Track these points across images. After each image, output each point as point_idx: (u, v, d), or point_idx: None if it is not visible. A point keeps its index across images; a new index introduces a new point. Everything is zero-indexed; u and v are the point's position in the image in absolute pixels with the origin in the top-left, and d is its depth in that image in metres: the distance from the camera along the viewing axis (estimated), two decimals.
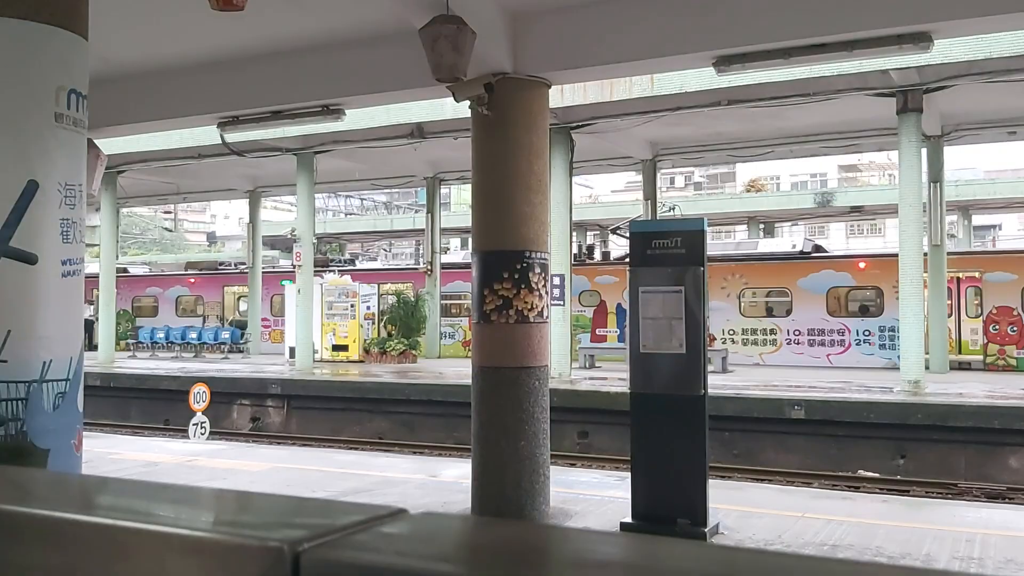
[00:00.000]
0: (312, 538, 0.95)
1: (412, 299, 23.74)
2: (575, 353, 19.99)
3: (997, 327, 19.72)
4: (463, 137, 15.70)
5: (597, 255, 27.74)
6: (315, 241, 22.12)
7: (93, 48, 4.83)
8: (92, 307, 26.92)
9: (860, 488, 11.57)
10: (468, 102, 7.34)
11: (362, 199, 44.16)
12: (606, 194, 56.67)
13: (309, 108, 8.89)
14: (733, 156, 23.94)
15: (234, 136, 15.40)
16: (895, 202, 16.16)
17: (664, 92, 14.99)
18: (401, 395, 17.20)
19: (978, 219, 37.99)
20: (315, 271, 21.62)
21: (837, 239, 51.49)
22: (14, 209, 4.29)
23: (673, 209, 28.08)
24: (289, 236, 24.78)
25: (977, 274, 20.29)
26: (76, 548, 1.07)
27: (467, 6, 6.53)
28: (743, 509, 7.62)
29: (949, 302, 19.47)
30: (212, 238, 59.16)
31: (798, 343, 21.30)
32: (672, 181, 58.12)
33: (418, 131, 18.13)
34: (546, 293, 7.58)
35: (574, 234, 22.79)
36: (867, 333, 20.66)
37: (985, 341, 19.86)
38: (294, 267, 21.24)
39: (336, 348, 23.52)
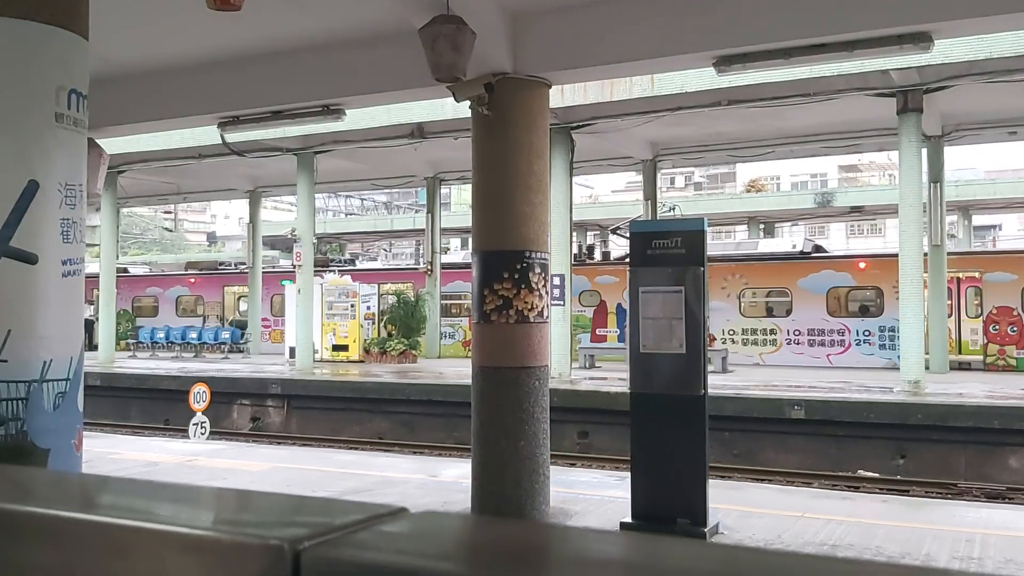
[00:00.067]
0: (312, 537, 0.95)
1: (412, 299, 23.74)
2: (575, 353, 19.99)
3: (997, 327, 19.72)
4: (463, 137, 15.70)
5: (597, 255, 27.75)
6: (315, 241, 22.12)
7: (93, 48, 4.83)
8: (92, 307, 26.92)
9: (860, 488, 11.57)
10: (468, 102, 7.34)
11: (362, 199, 44.16)
12: (606, 194, 56.67)
13: (309, 108, 8.89)
14: (733, 156, 23.94)
15: (234, 136, 15.41)
16: (895, 202, 16.16)
17: (664, 92, 14.99)
18: (401, 395, 17.20)
19: (978, 219, 37.99)
20: (315, 271, 21.62)
21: (837, 239, 51.50)
22: (14, 209, 4.29)
23: (673, 209, 28.08)
24: (289, 236, 24.79)
25: (977, 274, 20.29)
26: (76, 547, 1.07)
27: (467, 6, 6.53)
28: (743, 509, 7.62)
29: (949, 302, 19.47)
30: (212, 238, 59.17)
31: (798, 343, 21.30)
32: (672, 181, 58.12)
33: (418, 131, 18.13)
34: (546, 293, 7.58)
35: (574, 234, 22.79)
36: (867, 333, 20.66)
37: (985, 341, 19.86)
38: (294, 267, 21.24)
39: (336, 348, 23.52)
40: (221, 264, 33.51)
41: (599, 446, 14.87)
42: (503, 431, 7.33)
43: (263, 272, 27.89)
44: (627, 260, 8.18)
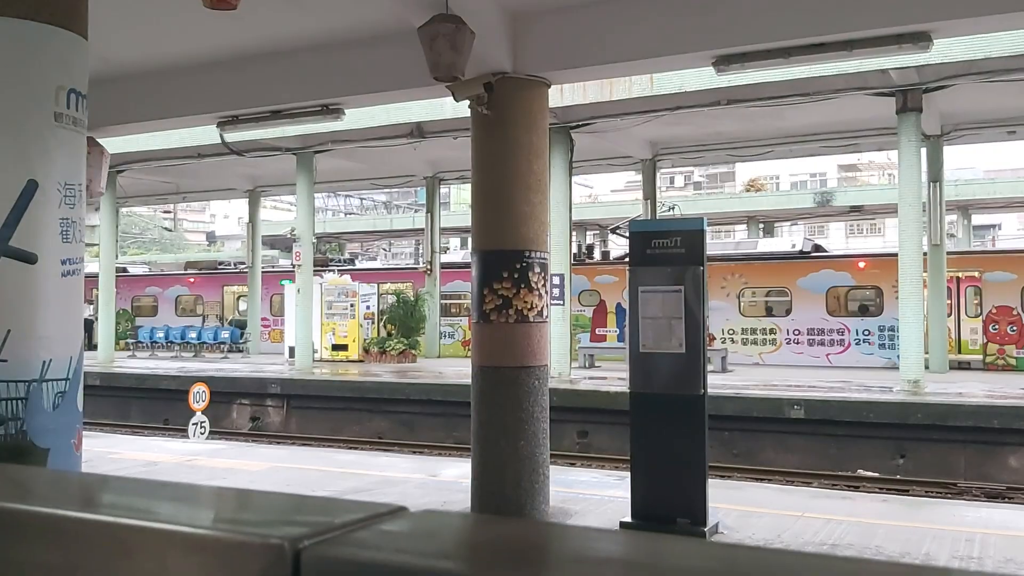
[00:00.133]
0: (313, 535, 0.95)
1: (412, 299, 23.74)
2: (575, 353, 19.99)
3: (997, 327, 19.72)
4: (463, 137, 15.68)
5: (597, 255, 27.74)
6: (315, 241, 22.12)
7: (93, 48, 4.83)
8: (92, 307, 26.91)
9: (860, 488, 11.57)
10: (467, 102, 7.34)
11: (361, 199, 44.14)
12: (606, 194, 56.67)
13: (308, 108, 8.89)
14: (733, 156, 23.94)
15: (233, 136, 15.41)
16: (895, 202, 16.16)
17: (664, 92, 14.99)
18: (401, 395, 17.20)
19: (978, 219, 38.00)
20: (315, 271, 21.61)
21: (837, 239, 51.50)
22: (14, 209, 4.30)
23: (673, 209, 28.10)
24: (289, 236, 24.78)
25: (977, 274, 20.30)
26: (77, 546, 1.07)
27: (466, 6, 6.53)
28: (743, 508, 7.62)
29: (949, 302, 19.47)
30: (212, 238, 59.16)
31: (798, 343, 21.30)
32: (672, 181, 58.13)
33: (418, 131, 18.12)
34: (546, 293, 7.58)
35: (574, 234, 22.78)
36: (867, 333, 20.66)
37: (985, 341, 19.86)
38: (294, 267, 21.24)
39: (336, 348, 23.52)
40: (220, 264, 33.51)
41: (599, 446, 14.87)
42: (503, 431, 7.34)
43: (262, 272, 27.88)
44: (627, 260, 8.18)
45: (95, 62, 5.22)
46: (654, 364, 6.81)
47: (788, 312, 21.53)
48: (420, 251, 35.40)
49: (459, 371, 17.71)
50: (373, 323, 24.66)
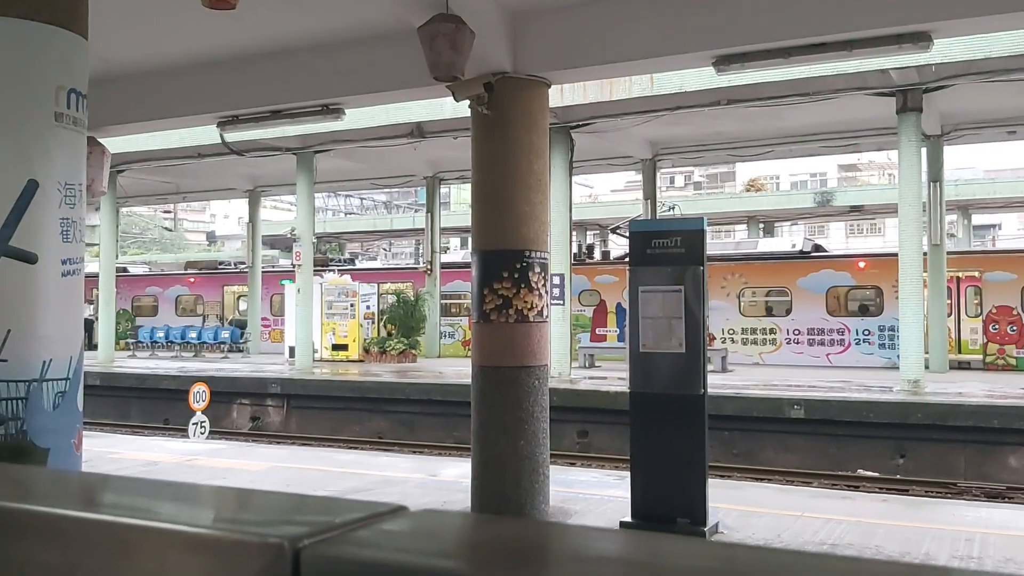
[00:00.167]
0: (312, 535, 0.95)
1: (412, 298, 23.74)
2: (575, 352, 19.99)
3: (997, 326, 19.72)
4: (463, 136, 15.68)
5: (597, 254, 27.74)
6: (315, 240, 22.12)
7: (93, 48, 4.83)
8: (92, 306, 26.92)
9: (860, 487, 11.57)
10: (468, 101, 7.34)
11: (362, 199, 44.14)
12: (606, 193, 56.66)
13: (309, 107, 8.89)
14: (733, 156, 23.94)
15: (234, 135, 15.41)
16: (895, 202, 16.16)
17: (664, 92, 14.99)
18: (401, 394, 17.21)
19: (978, 218, 38.00)
20: (315, 270, 21.62)
21: (837, 239, 51.50)
22: (14, 208, 4.30)
23: (673, 208, 28.10)
24: (289, 235, 24.78)
25: (977, 273, 20.30)
26: (77, 545, 1.08)
27: (466, 5, 6.53)
28: (743, 508, 7.62)
29: (949, 301, 19.47)
30: (212, 237, 59.14)
31: (798, 342, 21.30)
32: (672, 180, 58.13)
33: (418, 130, 18.12)
34: (546, 292, 7.58)
35: (574, 233, 22.78)
36: (867, 333, 20.66)
37: (985, 340, 19.86)
38: (294, 266, 21.24)
39: (336, 347, 23.52)
40: (221, 263, 33.51)
41: (599, 445, 14.87)
42: (503, 430, 7.34)
43: (263, 271, 27.88)
44: (627, 259, 8.18)
45: (95, 62, 5.22)
46: (654, 364, 6.81)
47: (788, 312, 21.53)
48: (420, 251, 35.39)
49: (459, 371, 17.71)
50: (373, 323, 24.66)
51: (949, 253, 19.63)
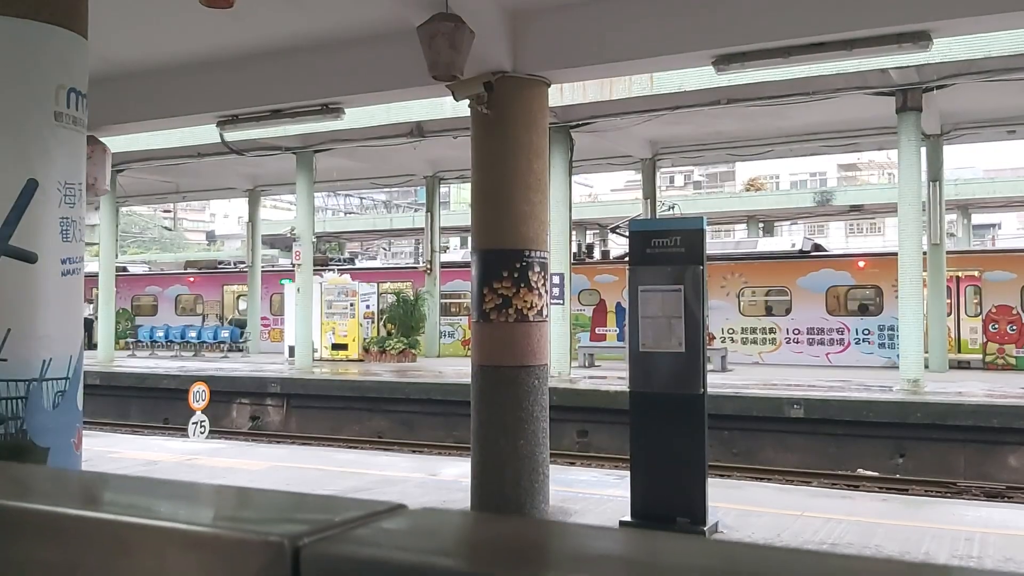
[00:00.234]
0: (312, 533, 0.95)
1: (411, 298, 23.75)
2: (575, 352, 19.99)
3: (996, 326, 19.73)
4: (463, 136, 15.69)
5: (596, 254, 27.75)
6: (314, 240, 22.12)
7: (93, 47, 4.83)
8: (91, 306, 26.91)
9: (859, 487, 11.58)
10: (467, 101, 7.34)
11: (361, 198, 44.15)
12: (606, 193, 56.66)
13: (308, 107, 8.89)
14: (732, 155, 23.94)
15: (233, 135, 15.40)
16: (894, 201, 16.16)
17: (663, 91, 14.99)
18: (400, 394, 17.21)
19: (977, 218, 38.00)
20: (314, 270, 21.62)
21: (836, 238, 51.50)
22: (14, 208, 4.30)
23: (673, 208, 28.06)
24: (288, 235, 24.78)
25: (976, 273, 20.30)
26: (77, 544, 1.08)
27: (466, 5, 6.53)
28: (742, 508, 7.63)
29: (948, 301, 19.48)
30: (211, 237, 59.13)
31: (797, 342, 21.30)
32: (672, 180, 58.13)
33: (418, 130, 18.12)
34: (545, 292, 7.58)
35: (573, 233, 22.77)
36: (866, 332, 20.66)
37: (984, 340, 19.87)
38: (293, 266, 21.24)
39: (335, 347, 23.53)
40: (220, 263, 33.50)
41: (598, 445, 14.88)
42: (502, 430, 7.34)
43: (262, 271, 27.88)
44: (626, 259, 8.18)
45: (95, 61, 5.22)
46: (654, 363, 6.81)
47: (788, 311, 21.53)
48: (420, 250, 35.39)
49: (459, 370, 17.71)
50: (373, 322, 24.66)
51: (949, 252, 19.64)
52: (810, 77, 13.71)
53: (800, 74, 13.27)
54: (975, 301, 20.29)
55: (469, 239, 8.61)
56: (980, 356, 19.82)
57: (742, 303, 22.02)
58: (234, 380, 19.07)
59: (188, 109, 9.31)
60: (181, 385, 17.41)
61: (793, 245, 24.08)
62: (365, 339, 23.77)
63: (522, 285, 7.34)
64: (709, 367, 7.36)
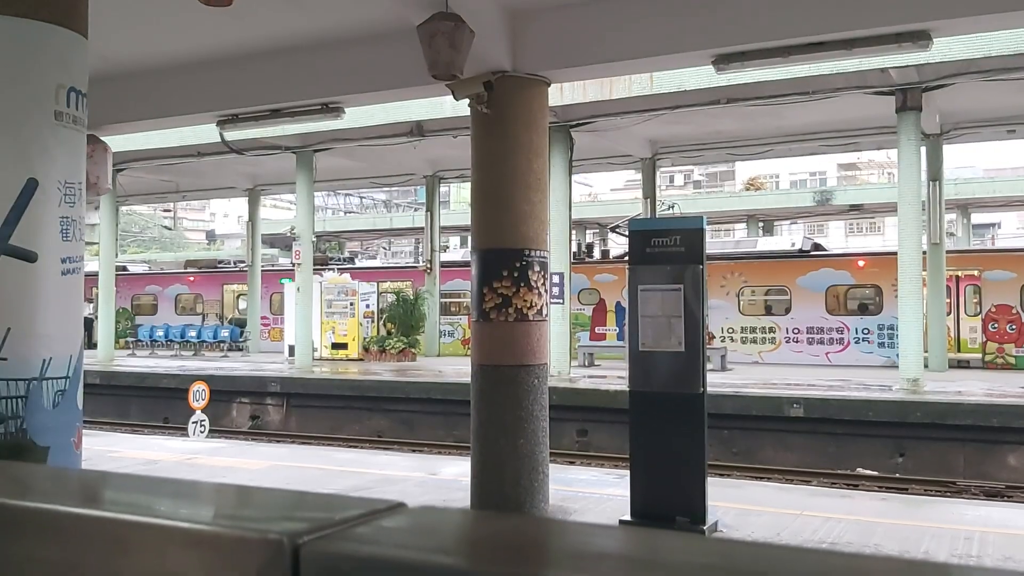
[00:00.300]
0: (312, 531, 0.96)
1: (411, 297, 23.75)
2: (574, 351, 20.00)
3: (996, 325, 19.73)
4: (462, 135, 15.70)
5: (596, 253, 27.75)
6: (314, 239, 22.12)
7: (93, 46, 4.83)
8: (91, 305, 26.91)
9: (859, 486, 11.58)
10: (467, 100, 7.34)
11: (361, 197, 44.15)
12: (605, 192, 56.66)
13: (308, 106, 8.89)
14: (732, 154, 23.94)
15: (233, 134, 15.37)
16: (894, 200, 16.16)
17: (663, 90, 14.99)
18: (400, 393, 17.21)
19: (977, 217, 38.01)
20: (314, 269, 21.61)
21: (836, 237, 51.52)
22: (14, 207, 4.30)
23: (672, 207, 28.06)
24: (288, 234, 24.79)
25: (976, 272, 20.30)
26: (77, 542, 1.08)
27: (466, 4, 6.52)
28: (742, 507, 7.63)
29: (948, 300, 19.48)
30: (211, 236, 59.14)
31: (797, 341, 21.31)
32: (671, 179, 58.13)
33: (417, 129, 18.11)
34: (545, 291, 7.58)
35: (573, 232, 22.77)
36: (866, 331, 20.67)
37: (984, 339, 19.87)
38: (293, 265, 21.24)
39: (335, 346, 23.53)
40: (220, 262, 33.51)
41: (598, 444, 14.88)
42: (502, 429, 7.34)
43: (262, 270, 27.88)
44: (626, 258, 8.19)
45: (95, 60, 5.22)
46: (653, 363, 6.81)
47: (787, 311, 21.53)
48: (420, 250, 35.38)
49: (459, 369, 17.72)
50: (373, 322, 24.66)
51: (948, 252, 19.64)
52: (810, 76, 13.71)
53: (800, 73, 13.27)
54: (975, 300, 20.29)
55: (469, 238, 8.61)
56: (980, 355, 19.82)
57: (742, 302, 22.02)
58: (234, 379, 19.07)
59: (188, 108, 9.31)
60: (181, 384, 17.41)
61: (793, 244, 24.09)
62: (365, 338, 23.77)
63: (522, 284, 7.34)
64: (709, 366, 7.36)
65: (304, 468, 9.98)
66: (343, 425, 17.46)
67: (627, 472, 7.11)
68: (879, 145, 23.18)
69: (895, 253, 15.71)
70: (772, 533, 6.76)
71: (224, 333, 26.39)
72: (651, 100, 15.59)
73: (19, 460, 4.13)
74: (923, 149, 16.18)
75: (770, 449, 14.00)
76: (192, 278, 30.90)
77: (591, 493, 8.41)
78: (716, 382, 13.91)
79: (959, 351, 20.11)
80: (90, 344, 23.20)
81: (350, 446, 14.45)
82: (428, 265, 24.65)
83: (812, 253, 22.86)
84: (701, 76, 13.84)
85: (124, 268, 31.03)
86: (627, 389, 6.97)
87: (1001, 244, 41.89)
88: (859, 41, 6.64)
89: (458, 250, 35.79)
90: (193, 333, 26.33)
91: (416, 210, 38.69)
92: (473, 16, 6.51)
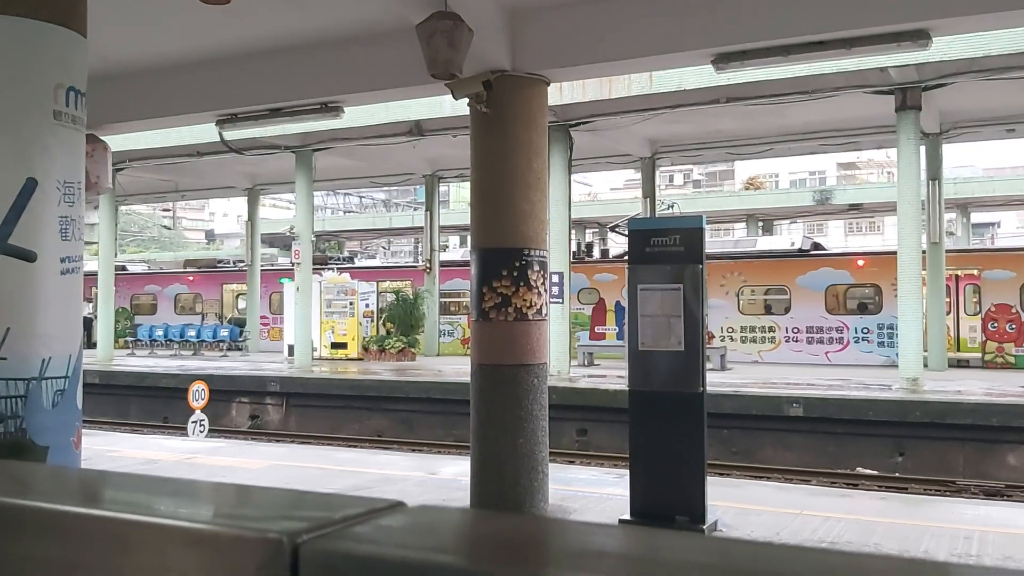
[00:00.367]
0: (311, 530, 0.96)
1: (411, 297, 23.75)
2: (574, 351, 19.99)
3: (995, 324, 19.73)
4: (462, 135, 15.67)
5: (596, 253, 27.75)
6: (314, 239, 22.12)
7: (92, 46, 4.83)
8: (91, 305, 26.91)
9: (858, 485, 11.58)
10: (467, 100, 7.34)
11: (361, 197, 44.14)
12: (605, 192, 56.67)
13: (308, 105, 8.88)
14: (732, 154, 23.94)
15: (233, 134, 15.38)
16: (894, 200, 16.16)
17: (663, 90, 14.98)
18: (400, 393, 17.21)
19: (977, 217, 38.02)
20: (314, 269, 21.61)
21: (836, 237, 51.51)
22: (13, 206, 4.30)
23: (672, 207, 28.09)
24: (288, 234, 24.77)
25: (976, 272, 20.31)
26: (76, 541, 1.08)
27: (465, 3, 6.52)
28: (741, 506, 7.63)
29: (948, 300, 19.48)
30: (211, 236, 59.13)
31: (797, 341, 21.31)
32: (671, 179, 58.15)
33: (417, 128, 18.11)
34: (545, 291, 7.58)
35: (573, 232, 22.78)
36: (865, 331, 20.67)
37: (983, 339, 19.87)
38: (293, 265, 21.24)
39: (335, 346, 23.53)
40: (220, 262, 33.51)
41: (598, 444, 14.88)
42: (502, 429, 7.34)
43: (262, 270, 27.88)
44: (626, 258, 8.19)
45: (94, 60, 5.22)
46: (653, 362, 6.81)
47: (787, 310, 21.54)
48: (419, 249, 35.37)
49: (458, 369, 17.72)
50: (372, 321, 24.66)
51: (948, 251, 19.65)
52: (809, 76, 13.71)
53: (799, 73, 13.27)
54: (974, 300, 20.30)
55: (468, 238, 8.60)
56: (979, 355, 19.83)
57: (741, 302, 22.02)
58: (233, 379, 19.07)
59: (187, 108, 9.30)
60: (180, 384, 17.41)
61: (792, 244, 24.09)
62: (364, 338, 23.77)
63: (521, 284, 7.34)
64: (708, 366, 7.37)
65: (303, 468, 9.98)
66: (342, 425, 17.46)
67: (627, 471, 7.11)
68: (879, 144, 23.17)
69: (895, 252, 15.71)
70: (772, 532, 6.76)
71: (223, 333, 26.39)
72: (651, 99, 15.59)
73: (19, 459, 4.13)
74: (923, 148, 16.17)
75: (770, 448, 14.01)
76: (191, 278, 30.90)
77: (591, 492, 8.41)
78: (716, 381, 13.91)
79: (959, 350, 20.12)
80: (89, 344, 23.20)
81: (349, 446, 14.45)
82: (427, 264, 24.66)
83: (811, 252, 22.87)
84: (701, 75, 13.84)
85: (123, 268, 31.03)
86: (627, 388, 6.97)
87: (1000, 243, 41.89)
88: (859, 40, 6.64)
89: (457, 249, 35.81)
90: (192, 333, 26.33)
91: (415, 209, 38.69)
92: (472, 15, 6.51)
